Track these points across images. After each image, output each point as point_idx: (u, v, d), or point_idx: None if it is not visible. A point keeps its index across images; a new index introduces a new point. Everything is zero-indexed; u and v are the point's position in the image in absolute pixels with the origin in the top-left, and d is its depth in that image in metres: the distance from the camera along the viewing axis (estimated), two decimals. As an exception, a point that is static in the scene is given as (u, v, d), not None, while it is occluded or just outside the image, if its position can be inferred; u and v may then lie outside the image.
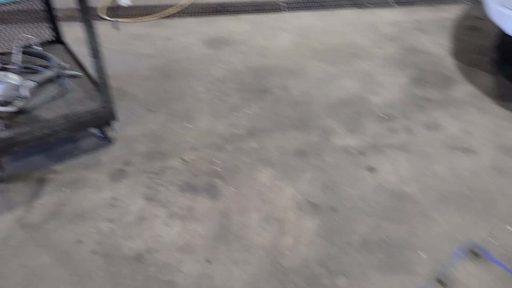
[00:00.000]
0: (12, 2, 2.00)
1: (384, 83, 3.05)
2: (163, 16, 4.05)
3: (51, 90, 2.63)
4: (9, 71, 2.73)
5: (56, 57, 2.82)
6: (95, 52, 2.26)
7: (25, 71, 2.79)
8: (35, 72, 2.80)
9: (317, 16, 4.01)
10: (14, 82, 2.28)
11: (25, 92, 2.36)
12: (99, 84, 2.39)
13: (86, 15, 2.12)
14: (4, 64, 2.80)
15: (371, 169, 2.36)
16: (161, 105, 2.90)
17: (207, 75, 3.20)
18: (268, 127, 2.68)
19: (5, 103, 2.29)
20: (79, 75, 2.77)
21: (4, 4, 2.12)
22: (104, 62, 2.31)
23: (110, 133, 2.57)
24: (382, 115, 2.75)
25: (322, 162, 2.41)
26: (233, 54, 3.45)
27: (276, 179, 2.31)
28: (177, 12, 4.14)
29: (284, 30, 3.78)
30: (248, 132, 2.65)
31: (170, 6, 4.21)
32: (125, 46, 3.63)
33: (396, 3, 4.20)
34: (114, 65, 3.30)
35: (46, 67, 2.81)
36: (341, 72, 3.19)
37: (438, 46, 3.49)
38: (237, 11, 4.14)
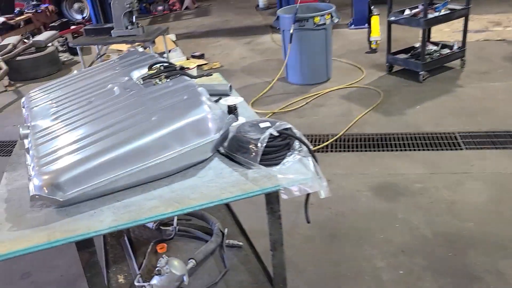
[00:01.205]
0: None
1: None
2: (317, 149, 3.63)
3: (210, 267, 2.21)
4: (165, 234, 2.40)
5: (215, 219, 2.45)
6: (276, 245, 1.78)
7: (181, 233, 2.46)
8: (192, 236, 2.45)
9: (509, 156, 3.25)
10: (176, 272, 1.88)
11: (186, 280, 1.95)
12: (273, 279, 1.89)
13: (274, 207, 1.68)
14: (160, 225, 2.49)
15: None
16: (334, 287, 2.32)
17: (385, 241, 2.58)
18: None
19: (164, 297, 1.88)
20: (239, 244, 2.34)
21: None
22: (284, 256, 1.82)
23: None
24: None
25: None
26: (412, 210, 2.81)
27: None
28: (332, 143, 3.70)
29: (471, 177, 3.07)
30: None
31: (323, 137, 3.80)
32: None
33: None
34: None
35: (203, 230, 2.44)
36: None
37: None
38: (402, 146, 3.56)
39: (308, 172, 1.53)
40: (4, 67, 5.88)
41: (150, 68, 1.95)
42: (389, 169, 3.27)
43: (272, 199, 1.68)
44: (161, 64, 1.96)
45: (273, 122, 1.67)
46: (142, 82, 1.88)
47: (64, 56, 7.13)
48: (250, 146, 1.56)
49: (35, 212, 1.44)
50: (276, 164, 1.57)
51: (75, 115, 1.76)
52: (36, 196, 1.35)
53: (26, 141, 1.74)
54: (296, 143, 1.66)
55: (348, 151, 3.59)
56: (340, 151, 3.61)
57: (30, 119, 1.88)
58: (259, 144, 1.53)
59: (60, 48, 7.32)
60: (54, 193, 1.37)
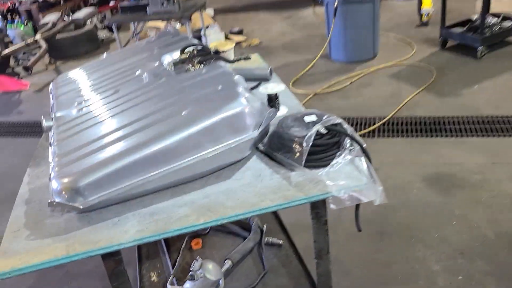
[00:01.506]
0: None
1: None
2: (363, 134, 3.36)
3: (247, 268, 2.05)
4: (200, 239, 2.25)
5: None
6: (322, 253, 1.59)
7: (217, 228, 2.31)
8: (228, 231, 2.29)
9: None
10: (211, 277, 1.72)
11: (221, 285, 1.80)
12: (317, 286, 1.71)
13: (320, 211, 1.48)
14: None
15: None
16: (383, 290, 2.11)
17: (440, 241, 2.33)
18: None
19: (197, 304, 1.74)
20: (279, 243, 2.16)
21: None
22: (330, 263, 1.62)
23: None
24: None
25: None
26: (471, 206, 2.53)
27: None
28: (379, 127, 3.42)
29: (539, 169, 2.74)
30: None
31: (369, 120, 3.52)
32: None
33: None
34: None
35: (240, 225, 2.28)
36: None
37: None
38: (458, 131, 3.24)
39: (362, 177, 1.31)
40: (44, 45, 5.88)
41: (182, 52, 1.76)
42: (444, 158, 2.98)
43: (318, 203, 1.48)
44: (195, 47, 1.76)
45: (320, 115, 1.45)
46: (173, 68, 1.69)
47: (103, 34, 7.07)
48: (294, 145, 1.35)
49: (56, 218, 1.31)
50: (324, 166, 1.36)
51: (100, 106, 1.60)
52: (54, 203, 1.21)
53: (50, 134, 1.61)
54: (347, 141, 1.43)
55: (397, 136, 3.31)
56: (388, 136, 3.33)
57: (55, 109, 1.74)
58: (304, 143, 1.32)
59: (99, 25, 7.27)
60: (74, 198, 1.23)
